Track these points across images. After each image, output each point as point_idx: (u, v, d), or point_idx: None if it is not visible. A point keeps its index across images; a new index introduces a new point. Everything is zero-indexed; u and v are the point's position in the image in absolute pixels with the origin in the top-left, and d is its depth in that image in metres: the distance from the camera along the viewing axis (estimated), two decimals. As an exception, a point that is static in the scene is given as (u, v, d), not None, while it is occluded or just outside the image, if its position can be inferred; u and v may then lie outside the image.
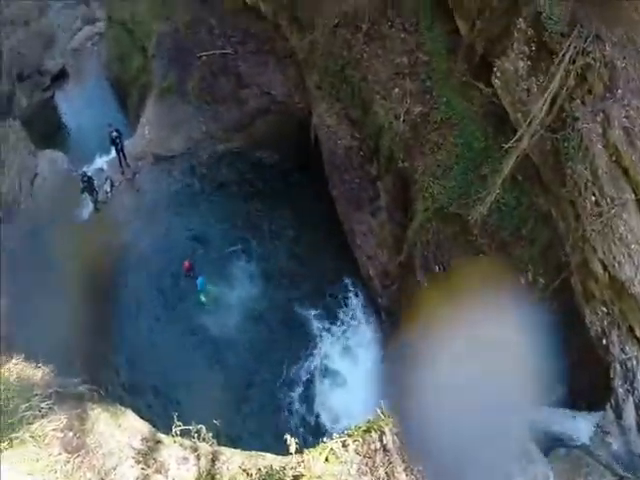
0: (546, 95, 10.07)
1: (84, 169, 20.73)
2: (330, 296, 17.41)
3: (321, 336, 16.62)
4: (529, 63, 11.25)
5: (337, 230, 18.13)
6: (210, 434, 6.72)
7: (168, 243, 19.04)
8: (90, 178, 19.92)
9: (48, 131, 26.11)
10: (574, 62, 9.42)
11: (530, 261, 11.41)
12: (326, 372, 15.93)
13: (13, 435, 5.58)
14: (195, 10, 23.03)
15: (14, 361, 7.40)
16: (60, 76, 30.06)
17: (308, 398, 15.53)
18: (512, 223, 12.13)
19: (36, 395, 6.26)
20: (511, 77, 11.90)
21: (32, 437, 5.70)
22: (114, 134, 20.56)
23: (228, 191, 20.71)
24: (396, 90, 16.14)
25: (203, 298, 17.49)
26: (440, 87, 14.92)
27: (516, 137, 11.45)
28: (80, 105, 28.07)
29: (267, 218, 19.77)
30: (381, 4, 16.48)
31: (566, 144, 9.82)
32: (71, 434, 6.00)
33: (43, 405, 6.07)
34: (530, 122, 10.90)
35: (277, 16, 20.86)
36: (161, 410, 14.03)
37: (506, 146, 11.80)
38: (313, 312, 17.04)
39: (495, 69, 12.41)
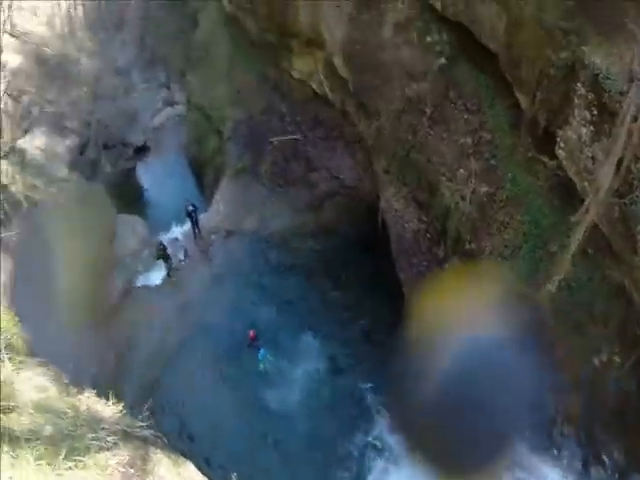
0: (611, 158, 9.50)
1: (160, 237, 22.25)
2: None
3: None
4: (592, 128, 10.81)
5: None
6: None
7: (234, 314, 19.61)
8: (165, 247, 21.38)
9: (129, 198, 27.75)
10: (636, 119, 8.91)
11: (605, 340, 10.42)
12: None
13: (78, 458, 5.71)
14: (267, 98, 24.75)
15: (86, 394, 7.75)
16: (142, 149, 32.78)
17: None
18: (583, 300, 11.24)
19: (103, 429, 6.49)
20: (575, 145, 11.47)
21: (96, 465, 5.83)
22: (190, 208, 22.09)
23: (296, 270, 21.09)
24: (461, 171, 15.95)
25: (262, 367, 17.74)
26: (505, 164, 14.60)
27: (584, 207, 10.85)
28: (159, 178, 30.41)
29: (333, 298, 19.76)
30: (443, 87, 16.70)
31: (634, 207, 9.12)
32: (132, 471, 6.13)
33: (109, 439, 6.27)
34: (597, 189, 10.30)
35: (344, 103, 21.60)
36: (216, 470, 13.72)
37: (574, 218, 11.17)
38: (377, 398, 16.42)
39: (558, 139, 12.05)
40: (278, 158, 23.69)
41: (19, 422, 6.24)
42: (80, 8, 37.48)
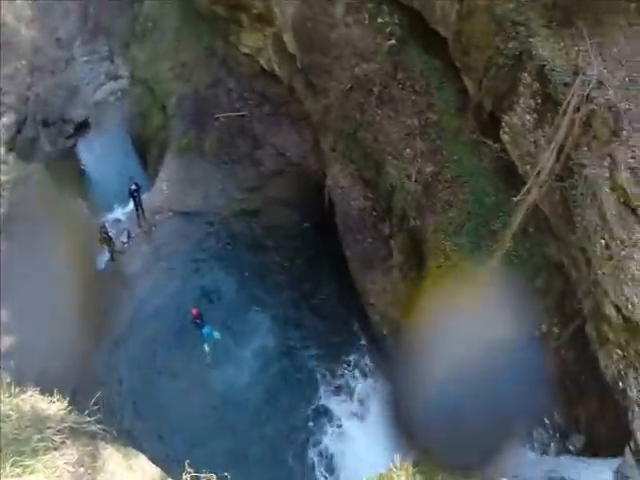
0: (552, 145, 10.31)
1: (103, 220, 21.82)
2: (342, 353, 17.30)
3: (330, 393, 16.51)
4: (535, 116, 11.60)
5: (350, 289, 18.21)
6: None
7: (180, 295, 19.45)
8: (108, 230, 20.90)
9: (70, 178, 26.65)
10: (578, 110, 9.71)
11: (545, 312, 11.35)
12: (333, 424, 15.85)
13: (25, 463, 5.60)
14: (214, 72, 24.54)
15: (29, 393, 7.59)
16: (83, 126, 31.39)
17: (316, 453, 15.42)
18: (525, 274, 12.14)
19: (49, 428, 6.32)
20: (519, 131, 12.26)
21: (45, 467, 5.72)
22: (133, 187, 21.49)
23: (242, 248, 21.11)
24: (407, 150, 16.59)
25: (207, 348, 17.59)
26: (450, 145, 15.32)
27: (525, 189, 11.65)
28: (101, 156, 29.39)
29: (280, 274, 19.95)
30: (392, 68, 17.21)
31: (574, 192, 9.97)
32: (82, 470, 6.01)
33: (56, 438, 6.08)
34: (538, 173, 11.13)
35: (292, 80, 21.80)
36: (166, 460, 13.82)
37: (516, 199, 11.98)
38: (323, 370, 16.93)
39: (503, 124, 12.82)
40: (224, 134, 23.55)
41: None
42: None
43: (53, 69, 31.52)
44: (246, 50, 23.90)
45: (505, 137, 12.94)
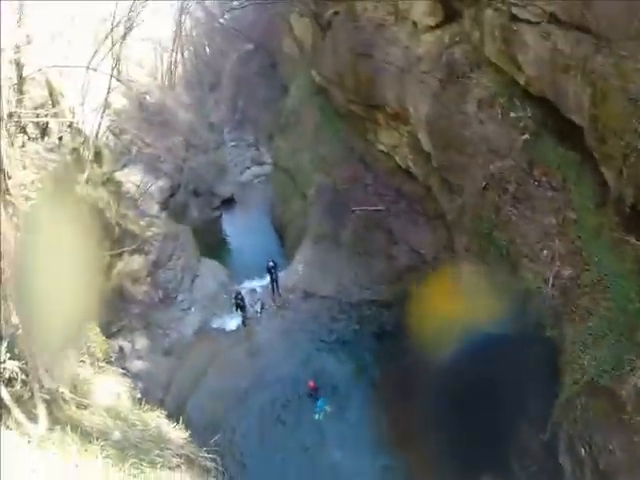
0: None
1: (239, 287, 24.50)
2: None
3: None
4: (683, 207, 10.16)
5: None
6: None
7: (301, 368, 20.67)
8: (243, 297, 23.32)
9: (212, 245, 30.59)
10: None
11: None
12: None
13: (142, 468, 6.23)
14: (352, 168, 26.10)
15: (156, 413, 8.24)
16: (228, 201, 36.22)
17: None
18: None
19: (169, 449, 7.09)
20: (663, 225, 10.80)
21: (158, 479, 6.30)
22: (271, 264, 23.87)
23: (366, 339, 21.70)
24: (545, 252, 15.38)
25: (318, 417, 18.79)
26: (590, 246, 13.96)
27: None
28: (242, 230, 33.54)
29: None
30: (526, 164, 16.40)
31: None
32: None
33: (174, 460, 6.81)
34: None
35: (428, 178, 21.87)
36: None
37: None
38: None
39: (646, 217, 11.41)
40: (360, 227, 24.53)
41: (91, 420, 6.70)
42: (180, 65, 43.08)
43: (205, 149, 36.58)
44: (382, 147, 24.88)
45: (650, 231, 11.50)
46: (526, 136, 16.66)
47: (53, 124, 19.32)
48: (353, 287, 23.35)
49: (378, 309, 22.46)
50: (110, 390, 11.48)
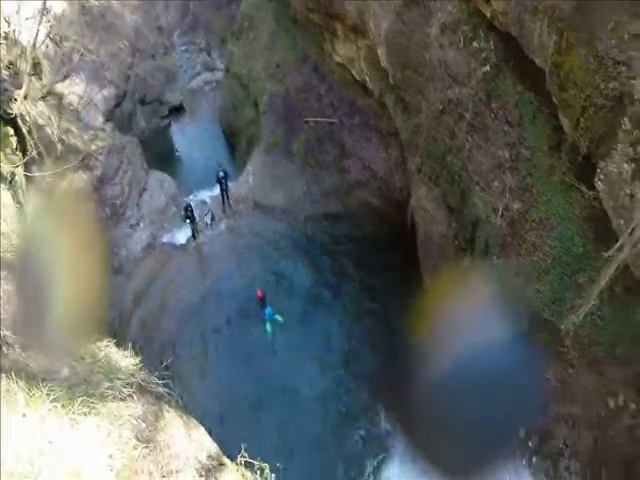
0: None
1: (189, 198, 24.53)
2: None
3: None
4: (634, 166, 10.95)
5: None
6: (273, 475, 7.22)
7: (251, 280, 21.27)
8: (192, 208, 23.27)
9: (161, 155, 30.25)
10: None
11: (623, 383, 10.85)
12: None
13: (92, 404, 6.12)
14: (306, 76, 25.85)
15: (105, 342, 8.26)
16: (177, 109, 35.42)
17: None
18: (607, 339, 11.63)
19: (119, 379, 6.97)
20: (615, 180, 11.58)
21: (109, 413, 6.23)
22: (221, 174, 24.07)
23: (318, 249, 22.51)
24: (496, 183, 16.17)
25: (269, 328, 19.45)
26: (541, 185, 14.74)
27: (616, 246, 11.10)
28: (192, 139, 33.05)
29: (351, 281, 21.06)
30: (485, 95, 16.73)
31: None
32: (144, 425, 6.49)
33: (124, 390, 6.69)
34: (633, 230, 10.57)
35: (383, 95, 21.81)
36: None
37: (606, 254, 11.45)
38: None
39: (598, 171, 12.17)
40: (312, 138, 24.68)
41: (37, 360, 6.68)
42: None
43: (153, 53, 35.07)
44: (339, 59, 24.40)
45: (600, 185, 12.27)
46: (487, 68, 16.82)
47: None
48: (304, 199, 23.89)
49: (329, 221, 23.17)
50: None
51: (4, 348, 7.01)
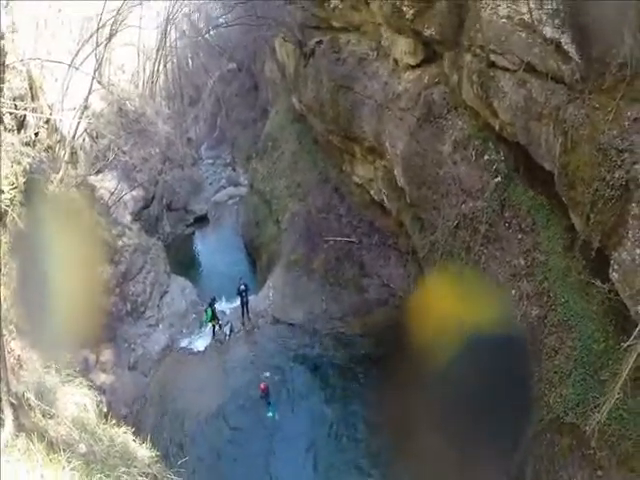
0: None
1: (213, 298, 25.00)
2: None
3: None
4: (646, 250, 11.23)
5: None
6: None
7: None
8: (216, 300, 24.41)
9: (183, 261, 31.73)
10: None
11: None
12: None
13: None
14: (327, 196, 27.35)
15: (123, 429, 8.25)
16: (202, 219, 37.34)
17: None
18: (636, 432, 11.26)
19: (135, 467, 7.05)
20: (629, 268, 11.77)
21: None
22: (242, 287, 24.71)
23: (330, 368, 22.56)
24: (513, 292, 16.39)
25: (271, 413, 20.63)
26: (558, 287, 14.95)
27: (636, 332, 11.07)
28: (214, 250, 34.62)
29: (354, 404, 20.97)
30: (498, 206, 17.46)
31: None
32: None
33: (140, 479, 7.00)
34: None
35: (401, 214, 22.81)
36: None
37: (625, 344, 11.40)
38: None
39: (612, 262, 12.40)
40: (331, 257, 25.66)
41: (56, 430, 6.82)
42: (162, 76, 44.16)
43: (182, 163, 37.55)
44: (357, 180, 25.85)
45: (614, 275, 12.43)
46: (498, 179, 17.76)
47: (30, 118, 19.55)
48: (323, 317, 24.29)
49: (347, 340, 23.31)
50: (76, 401, 11.45)
51: (26, 409, 7.32)
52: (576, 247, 14.33)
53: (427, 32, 19.31)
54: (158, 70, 42.13)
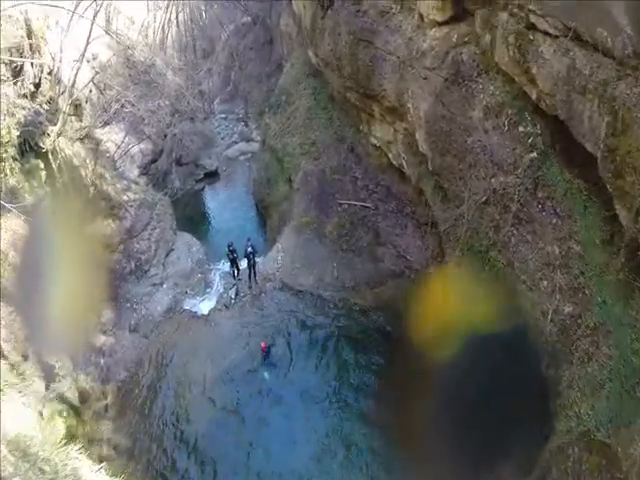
0: None
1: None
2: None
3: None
4: None
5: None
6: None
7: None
8: (236, 249, 23.85)
9: (192, 218, 31.28)
10: None
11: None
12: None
13: None
14: (342, 157, 26.08)
15: (75, 453, 7.18)
16: (212, 175, 36.73)
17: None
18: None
19: None
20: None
21: None
22: (249, 249, 23.66)
23: (338, 341, 21.67)
24: (545, 283, 15.24)
25: (267, 375, 20.48)
26: (594, 284, 13.82)
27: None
28: (224, 207, 34.00)
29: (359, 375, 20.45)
30: (532, 184, 16.09)
31: None
32: None
33: None
34: None
35: (421, 181, 21.50)
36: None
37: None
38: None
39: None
40: (345, 222, 24.48)
41: None
42: (174, 28, 44.00)
43: (192, 117, 37.07)
44: (375, 141, 24.52)
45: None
46: (533, 154, 16.28)
47: (29, 68, 18.78)
48: (334, 284, 23.30)
49: (358, 311, 22.43)
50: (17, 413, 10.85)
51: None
52: (619, 242, 13.08)
53: (459, -17, 17.54)
54: (169, 20, 41.62)
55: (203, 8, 50.71)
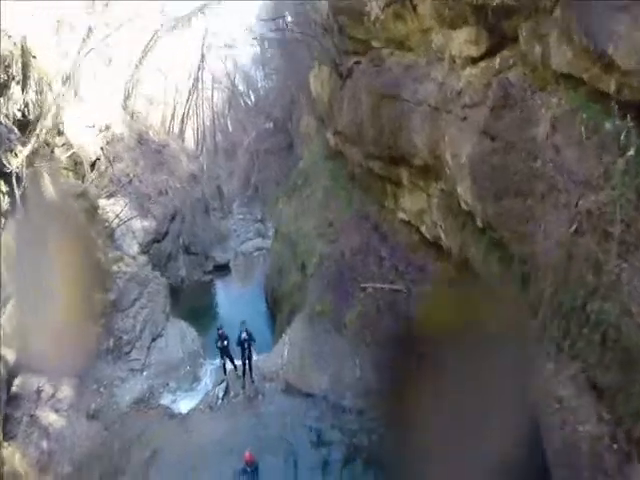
0: None
1: (222, 331, 21.00)
2: None
3: None
4: None
5: None
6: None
7: None
8: (228, 338, 20.21)
9: (195, 308, 29.37)
10: None
11: None
12: None
13: None
14: (364, 237, 23.05)
15: None
16: (223, 268, 36.84)
17: None
18: None
19: None
20: None
21: None
22: (244, 335, 19.76)
23: (362, 466, 16.41)
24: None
25: None
26: None
27: None
28: (232, 301, 31.96)
29: None
30: (634, 194, 11.28)
31: None
32: None
33: None
34: None
35: (465, 249, 17.28)
36: None
37: None
38: None
39: None
40: (369, 309, 20.44)
41: None
42: (195, 121, 47.73)
43: (206, 209, 38.64)
44: (404, 216, 21.54)
45: None
46: (630, 153, 11.74)
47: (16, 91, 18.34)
48: (355, 388, 18.48)
49: (382, 431, 16.75)
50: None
51: None
52: None
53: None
54: (188, 113, 44.36)
55: (227, 113, 52.56)
